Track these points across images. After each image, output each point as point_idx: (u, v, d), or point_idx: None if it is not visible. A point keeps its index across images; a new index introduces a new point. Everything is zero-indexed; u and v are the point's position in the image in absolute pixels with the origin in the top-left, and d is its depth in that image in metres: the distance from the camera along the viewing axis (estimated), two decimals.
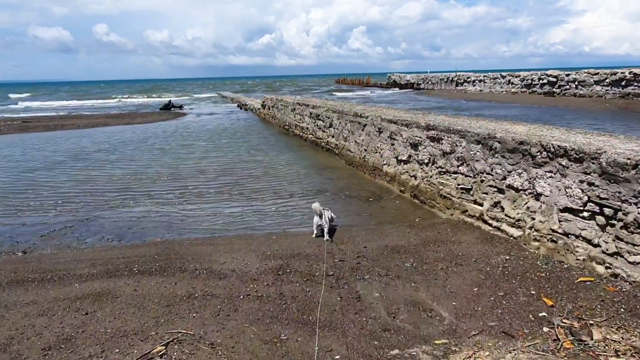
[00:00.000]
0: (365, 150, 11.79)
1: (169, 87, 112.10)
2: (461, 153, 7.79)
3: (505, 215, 6.69)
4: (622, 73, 29.74)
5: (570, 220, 5.54)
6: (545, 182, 6.00)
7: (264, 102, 28.38)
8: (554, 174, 5.82)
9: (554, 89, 35.47)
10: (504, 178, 6.75)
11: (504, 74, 42.21)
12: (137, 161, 14.60)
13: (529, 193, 6.30)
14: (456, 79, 50.39)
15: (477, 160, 7.37)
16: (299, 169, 12.69)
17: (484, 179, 7.22)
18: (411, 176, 9.49)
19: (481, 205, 7.26)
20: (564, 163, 5.62)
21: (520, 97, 37.30)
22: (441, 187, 8.37)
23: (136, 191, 10.51)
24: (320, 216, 6.95)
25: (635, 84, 28.85)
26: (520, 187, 6.43)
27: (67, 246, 7.09)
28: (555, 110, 27.46)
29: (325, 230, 6.88)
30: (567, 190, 5.56)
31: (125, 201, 9.63)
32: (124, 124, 27.76)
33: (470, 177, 7.59)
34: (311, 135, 17.21)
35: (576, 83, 33.31)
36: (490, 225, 6.96)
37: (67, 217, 8.60)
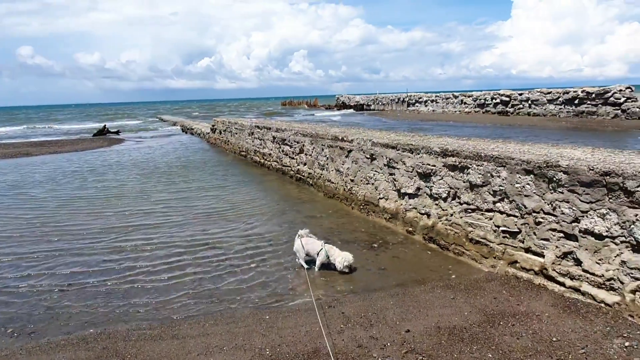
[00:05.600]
0: (352, 180, 9.86)
1: (103, 112, 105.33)
2: (500, 186, 6.05)
3: (586, 271, 4.95)
4: (574, 92, 30.21)
5: None
6: None
7: (214, 125, 25.87)
8: None
9: (507, 108, 35.71)
10: (576, 220, 5.05)
11: (456, 94, 42.28)
12: (60, 206, 11.77)
13: (622, 242, 4.62)
14: (407, 99, 50.27)
15: (526, 196, 5.66)
16: (271, 205, 10.48)
17: (540, 220, 5.49)
18: (422, 214, 7.65)
19: (541, 255, 5.50)
20: None
21: (475, 116, 37.28)
22: (470, 229, 6.57)
23: (59, 247, 7.86)
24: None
25: (588, 102, 29.31)
26: (605, 234, 4.75)
27: None
28: (514, 129, 27.16)
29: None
30: None
31: (43, 262, 6.99)
32: (51, 153, 24.14)
33: (515, 217, 5.85)
34: (275, 163, 15.07)
35: (529, 102, 33.63)
36: (562, 284, 5.19)
37: None
